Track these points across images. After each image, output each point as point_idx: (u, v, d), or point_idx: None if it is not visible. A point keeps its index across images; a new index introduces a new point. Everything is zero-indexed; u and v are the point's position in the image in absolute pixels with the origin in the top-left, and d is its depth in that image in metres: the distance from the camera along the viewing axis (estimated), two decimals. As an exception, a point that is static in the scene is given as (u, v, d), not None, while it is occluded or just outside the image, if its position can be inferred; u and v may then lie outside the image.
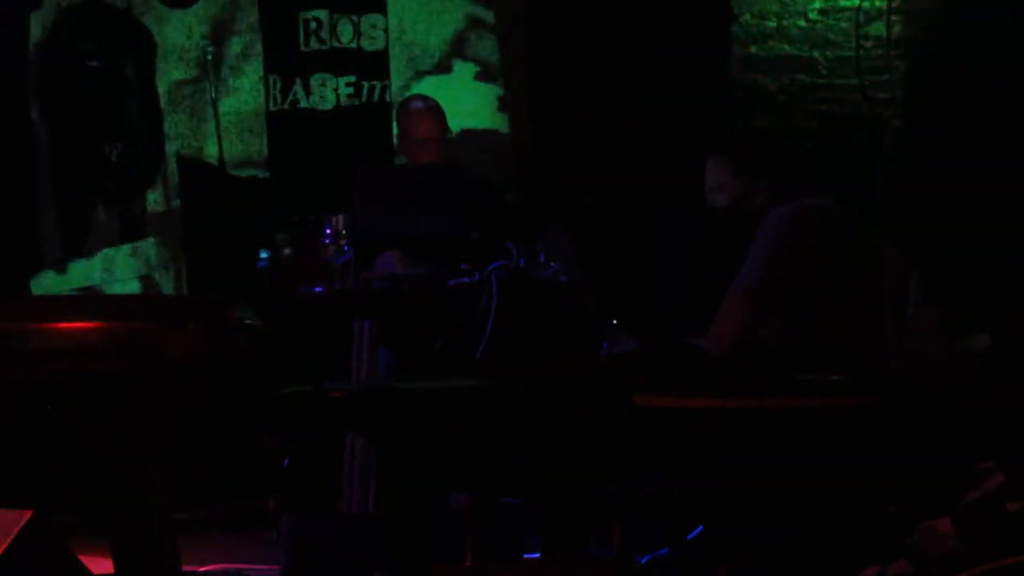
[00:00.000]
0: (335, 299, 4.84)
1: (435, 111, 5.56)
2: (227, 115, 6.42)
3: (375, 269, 5.04)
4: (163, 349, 3.09)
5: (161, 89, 6.51)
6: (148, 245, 6.52)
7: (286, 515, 4.78)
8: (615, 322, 4.35)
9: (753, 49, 6.37)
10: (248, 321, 3.31)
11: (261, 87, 6.51)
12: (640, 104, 6.24)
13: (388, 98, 6.49)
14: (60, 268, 6.50)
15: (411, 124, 5.53)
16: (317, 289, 4.84)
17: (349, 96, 6.52)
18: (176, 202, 6.50)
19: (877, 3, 6.05)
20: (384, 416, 3.44)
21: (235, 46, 6.50)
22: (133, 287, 6.46)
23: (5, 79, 6.42)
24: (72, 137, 6.49)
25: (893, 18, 6.14)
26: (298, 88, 6.51)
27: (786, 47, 6.36)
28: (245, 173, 6.48)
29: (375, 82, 6.53)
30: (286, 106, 6.52)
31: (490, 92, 6.52)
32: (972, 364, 3.28)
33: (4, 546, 3.17)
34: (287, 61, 6.52)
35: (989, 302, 3.38)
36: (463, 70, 6.54)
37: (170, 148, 6.51)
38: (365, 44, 6.53)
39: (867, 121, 6.01)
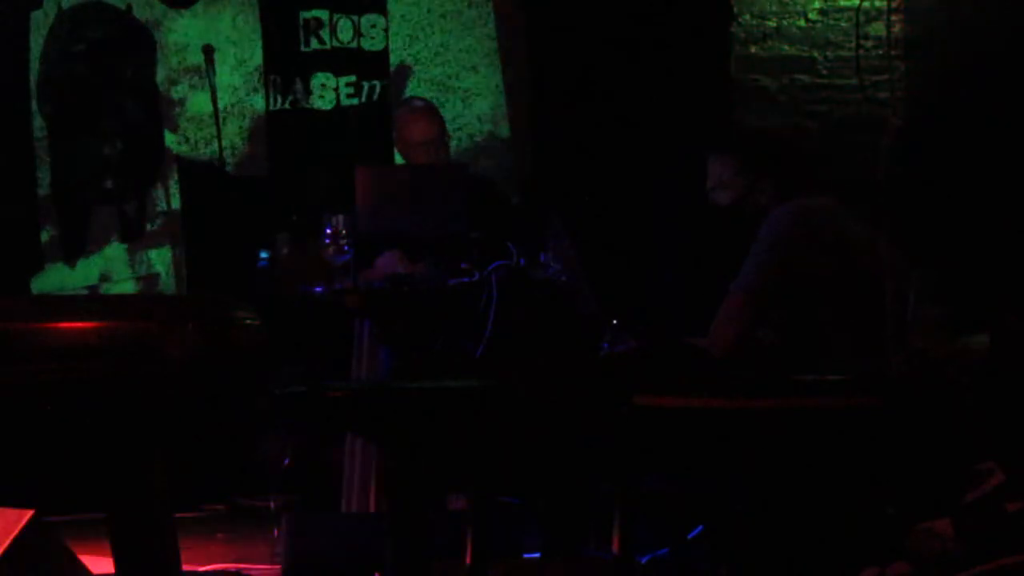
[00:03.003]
0: (335, 299, 4.84)
1: (430, 113, 5.55)
2: (227, 115, 6.42)
3: (375, 269, 5.04)
4: (163, 349, 3.09)
5: (161, 89, 6.51)
6: (148, 245, 6.52)
7: (286, 515, 4.78)
8: (615, 322, 4.35)
9: (753, 49, 6.36)
10: (248, 321, 3.31)
11: (261, 87, 6.51)
12: (640, 104, 6.24)
13: (388, 98, 6.49)
14: (60, 268, 6.50)
15: (406, 127, 5.52)
16: (317, 289, 4.84)
17: (349, 96, 6.52)
18: (176, 202, 6.50)
19: (877, 3, 6.05)
20: (384, 416, 3.44)
21: (235, 46, 6.50)
22: (133, 287, 6.46)
23: (5, 79, 6.42)
24: (72, 137, 6.49)
25: (893, 18, 6.14)
26: (298, 88, 6.52)
27: (786, 47, 6.36)
28: (245, 173, 6.49)
29: (375, 82, 6.53)
30: (286, 106, 6.52)
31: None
32: (972, 364, 3.28)
33: (4, 546, 3.17)
34: (287, 61, 6.52)
35: (989, 302, 3.38)
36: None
37: (170, 148, 6.51)
38: (365, 44, 6.53)
39: (867, 121, 6.01)
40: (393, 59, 6.52)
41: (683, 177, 4.83)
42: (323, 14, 6.52)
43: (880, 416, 3.38)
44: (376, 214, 4.90)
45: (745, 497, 3.58)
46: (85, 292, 6.43)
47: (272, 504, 5.49)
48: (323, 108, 6.53)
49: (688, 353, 4.23)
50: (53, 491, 3.45)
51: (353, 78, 6.53)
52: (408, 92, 6.42)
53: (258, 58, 6.51)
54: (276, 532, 5.15)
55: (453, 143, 5.77)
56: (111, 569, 3.33)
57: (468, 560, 3.40)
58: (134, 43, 6.50)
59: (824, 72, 6.33)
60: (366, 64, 6.53)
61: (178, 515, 3.60)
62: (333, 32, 6.51)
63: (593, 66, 6.31)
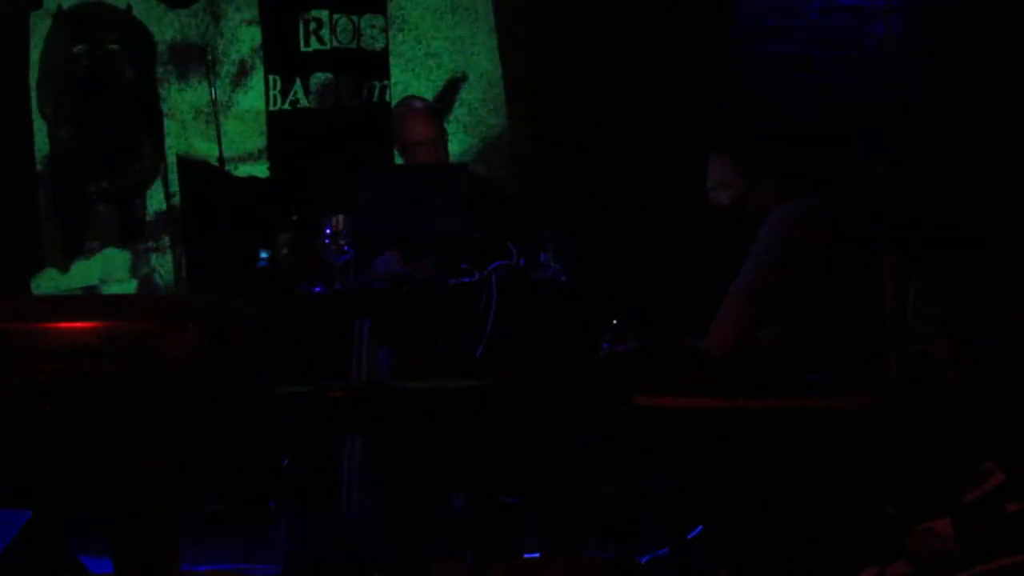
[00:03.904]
0: (335, 299, 4.84)
1: (429, 112, 5.54)
2: (227, 115, 6.42)
3: (375, 269, 5.04)
4: (163, 349, 3.09)
5: (161, 89, 6.51)
6: (148, 245, 6.52)
7: (286, 515, 4.79)
8: (615, 322, 4.35)
9: (753, 49, 6.36)
10: (248, 321, 3.31)
11: (261, 87, 6.51)
12: (640, 104, 6.24)
13: (388, 98, 6.49)
14: (60, 268, 6.49)
15: (405, 127, 5.51)
16: (317, 289, 4.84)
17: (349, 96, 6.52)
18: (176, 202, 6.50)
19: (877, 3, 6.05)
20: (384, 416, 3.44)
21: (235, 46, 6.50)
22: (133, 287, 6.46)
23: (5, 79, 6.42)
24: (72, 137, 6.49)
25: (893, 18, 6.13)
26: (298, 88, 6.51)
27: (786, 47, 6.36)
28: (245, 173, 6.48)
29: (375, 82, 6.53)
30: (286, 106, 6.52)
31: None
32: (972, 364, 3.28)
33: (4, 546, 3.17)
34: (287, 61, 6.52)
35: (989, 302, 3.38)
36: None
37: (170, 148, 6.51)
38: (365, 44, 6.53)
39: (867, 121, 6.01)
40: (393, 59, 6.53)
41: (683, 177, 4.82)
42: (323, 14, 6.52)
43: (880, 416, 3.38)
44: (376, 214, 4.90)
45: (745, 497, 3.58)
46: (85, 292, 6.43)
47: (272, 504, 5.49)
48: (323, 108, 6.53)
49: (688, 353, 4.23)
50: (53, 491, 3.45)
51: (353, 78, 6.53)
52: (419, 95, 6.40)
53: (258, 58, 6.51)
54: (276, 532, 5.15)
55: (452, 143, 5.77)
56: (111, 569, 3.33)
57: (468, 560, 3.40)
58: (134, 43, 6.50)
59: (824, 72, 6.32)
60: (366, 64, 6.53)
61: (178, 515, 3.60)
62: (333, 32, 6.51)
63: (593, 66, 6.30)
